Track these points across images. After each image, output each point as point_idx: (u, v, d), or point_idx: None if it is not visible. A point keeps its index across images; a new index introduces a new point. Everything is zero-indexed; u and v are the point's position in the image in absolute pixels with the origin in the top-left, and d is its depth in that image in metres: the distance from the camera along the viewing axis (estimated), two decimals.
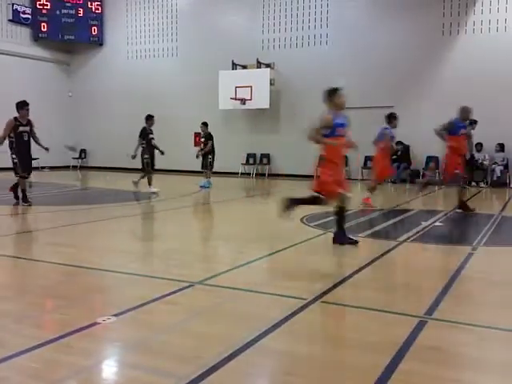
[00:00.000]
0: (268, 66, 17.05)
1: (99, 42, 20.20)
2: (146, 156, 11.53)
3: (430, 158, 15.27)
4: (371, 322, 3.39)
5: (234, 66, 17.47)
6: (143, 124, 11.71)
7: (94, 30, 20.05)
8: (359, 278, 4.48)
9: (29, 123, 9.01)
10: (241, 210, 9.62)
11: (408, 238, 6.33)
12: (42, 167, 15.11)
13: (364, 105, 15.00)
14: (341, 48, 16.05)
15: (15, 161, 8.93)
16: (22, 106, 8.90)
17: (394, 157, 15.21)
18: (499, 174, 14.23)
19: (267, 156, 17.84)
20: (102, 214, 8.35)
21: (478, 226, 7.84)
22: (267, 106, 16.80)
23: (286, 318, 3.35)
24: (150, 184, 11.29)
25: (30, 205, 8.90)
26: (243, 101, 17.02)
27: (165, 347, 2.93)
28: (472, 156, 13.19)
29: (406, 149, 15.38)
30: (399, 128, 16.07)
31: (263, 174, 17.75)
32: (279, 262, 5.26)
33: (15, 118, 8.89)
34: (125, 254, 5.47)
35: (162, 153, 11.71)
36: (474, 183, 14.24)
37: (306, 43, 16.55)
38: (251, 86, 16.80)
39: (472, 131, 12.74)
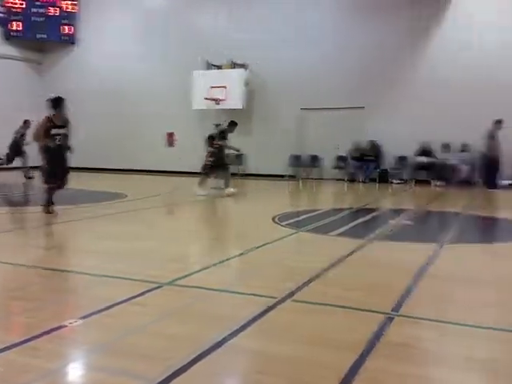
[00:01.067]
0: (242, 66, 17.11)
1: (71, 41, 19.91)
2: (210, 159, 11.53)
3: (400, 159, 15.54)
4: (340, 320, 3.44)
5: (209, 66, 17.45)
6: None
7: (67, 29, 19.76)
8: (329, 277, 4.54)
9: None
10: (212, 210, 9.62)
11: (377, 237, 6.44)
12: (19, 167, 14.74)
13: (335, 105, 15.17)
14: (313, 50, 16.17)
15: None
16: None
17: (369, 157, 15.47)
18: (466, 174, 14.57)
19: (240, 156, 17.85)
20: (74, 214, 8.23)
21: (445, 224, 8.03)
22: (241, 107, 16.83)
23: (257, 317, 3.37)
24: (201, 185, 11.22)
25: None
26: (217, 101, 17.01)
27: (133, 349, 2.91)
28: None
29: (378, 149, 15.62)
30: (372, 128, 16.36)
31: (235, 174, 17.76)
32: (250, 261, 5.28)
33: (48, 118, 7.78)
34: (95, 254, 5.40)
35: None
36: (439, 182, 14.56)
37: (279, 45, 16.61)
38: (225, 87, 16.81)
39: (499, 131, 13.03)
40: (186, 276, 4.41)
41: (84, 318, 3.34)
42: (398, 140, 15.21)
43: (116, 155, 18.40)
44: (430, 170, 14.90)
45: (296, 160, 16.94)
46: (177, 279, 4.29)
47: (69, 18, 19.72)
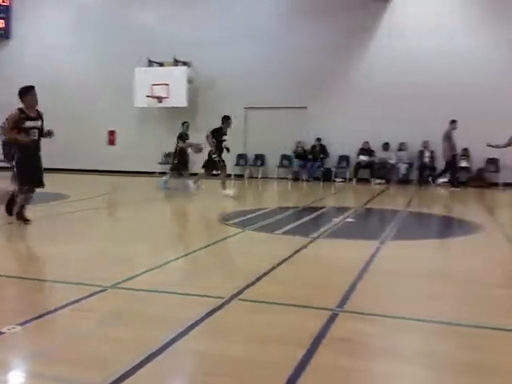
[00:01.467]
0: (185, 64, 16.92)
1: (6, 36, 19.04)
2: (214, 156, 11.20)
3: (342, 158, 15.93)
4: (286, 317, 3.47)
5: (150, 63, 17.16)
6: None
7: (0, 23, 18.87)
8: (275, 275, 4.58)
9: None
10: (158, 210, 9.47)
11: (321, 235, 6.57)
12: None
13: (280, 105, 15.35)
14: (258, 49, 16.28)
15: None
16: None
17: (310, 156, 15.75)
18: (404, 172, 15.15)
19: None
20: (12, 217, 7.84)
21: (386, 221, 8.30)
22: (185, 105, 16.67)
23: (204, 318, 3.34)
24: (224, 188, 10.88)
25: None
26: (160, 99, 16.76)
27: (76, 355, 2.82)
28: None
29: (321, 148, 15.93)
30: (316, 128, 16.67)
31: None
32: (197, 261, 5.24)
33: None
34: (35, 258, 5.19)
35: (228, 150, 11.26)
36: (378, 180, 15.05)
37: (223, 43, 16.61)
38: (168, 84, 16.59)
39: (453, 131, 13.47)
40: (130, 278, 4.31)
41: (24, 323, 3.19)
42: (341, 139, 15.60)
43: (56, 153, 17.71)
44: (371, 168, 15.37)
45: (242, 159, 16.99)
46: (121, 282, 4.19)
47: (3, 11, 18.85)
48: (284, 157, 16.36)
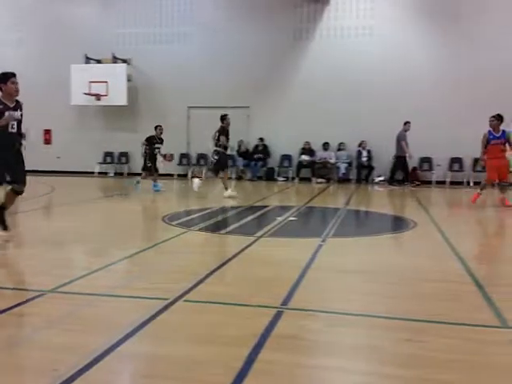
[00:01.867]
0: (125, 61, 16.55)
1: None
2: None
3: (284, 157, 16.15)
4: (232, 317, 3.48)
5: (88, 60, 16.65)
6: None
7: None
8: (220, 275, 4.58)
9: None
10: (99, 211, 9.22)
11: (265, 233, 6.63)
12: None
13: (223, 104, 15.32)
14: (201, 48, 16.20)
15: None
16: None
17: (256, 155, 15.85)
18: (344, 171, 15.56)
19: (126, 154, 17.32)
20: None
21: (327, 219, 8.50)
22: (125, 103, 16.32)
23: (148, 320, 3.29)
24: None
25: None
26: (98, 96, 16.31)
27: (14, 362, 2.70)
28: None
29: (264, 147, 16.08)
30: (258, 127, 16.78)
31: (122, 174, 17.20)
32: (140, 263, 5.15)
33: None
34: None
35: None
36: (320, 179, 15.38)
37: (165, 41, 16.39)
38: (107, 82, 16.17)
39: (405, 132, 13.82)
40: (70, 282, 4.18)
41: None
42: (283, 139, 15.83)
43: None
44: (312, 168, 15.68)
45: (185, 159, 16.84)
46: (60, 286, 4.05)
47: None
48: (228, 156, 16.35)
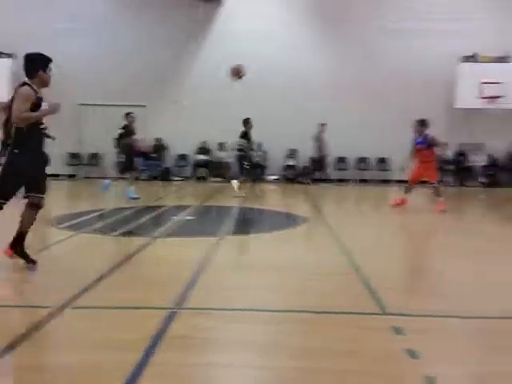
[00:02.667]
0: (9, 56, 15.44)
1: None
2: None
3: (181, 157, 16.03)
4: (124, 321, 3.39)
5: None
6: None
7: None
8: (113, 278, 4.43)
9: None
10: None
11: (161, 234, 6.53)
12: None
13: (117, 102, 14.82)
14: (93, 43, 15.56)
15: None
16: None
17: (153, 154, 15.53)
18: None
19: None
20: None
21: (224, 218, 8.57)
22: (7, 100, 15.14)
23: (33, 330, 3.11)
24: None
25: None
26: None
27: None
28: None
29: (160, 147, 15.83)
30: (155, 126, 16.40)
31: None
32: (23, 270, 4.79)
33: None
34: None
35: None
36: (213, 178, 15.47)
37: (53, 35, 15.42)
38: None
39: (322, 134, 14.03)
40: None
41: None
42: (180, 139, 15.69)
43: None
44: (208, 167, 15.76)
45: (75, 158, 16.05)
46: None
47: None
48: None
